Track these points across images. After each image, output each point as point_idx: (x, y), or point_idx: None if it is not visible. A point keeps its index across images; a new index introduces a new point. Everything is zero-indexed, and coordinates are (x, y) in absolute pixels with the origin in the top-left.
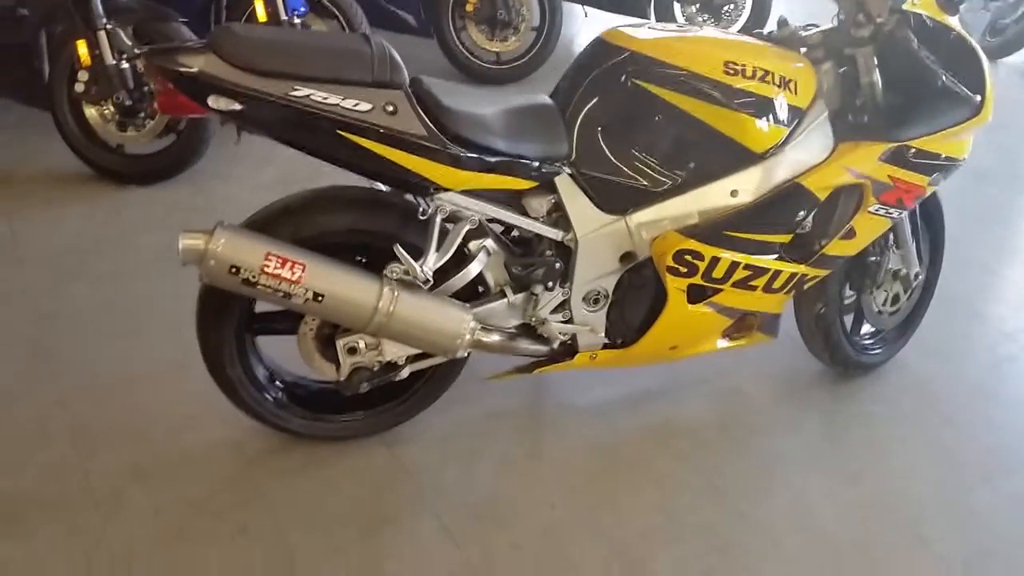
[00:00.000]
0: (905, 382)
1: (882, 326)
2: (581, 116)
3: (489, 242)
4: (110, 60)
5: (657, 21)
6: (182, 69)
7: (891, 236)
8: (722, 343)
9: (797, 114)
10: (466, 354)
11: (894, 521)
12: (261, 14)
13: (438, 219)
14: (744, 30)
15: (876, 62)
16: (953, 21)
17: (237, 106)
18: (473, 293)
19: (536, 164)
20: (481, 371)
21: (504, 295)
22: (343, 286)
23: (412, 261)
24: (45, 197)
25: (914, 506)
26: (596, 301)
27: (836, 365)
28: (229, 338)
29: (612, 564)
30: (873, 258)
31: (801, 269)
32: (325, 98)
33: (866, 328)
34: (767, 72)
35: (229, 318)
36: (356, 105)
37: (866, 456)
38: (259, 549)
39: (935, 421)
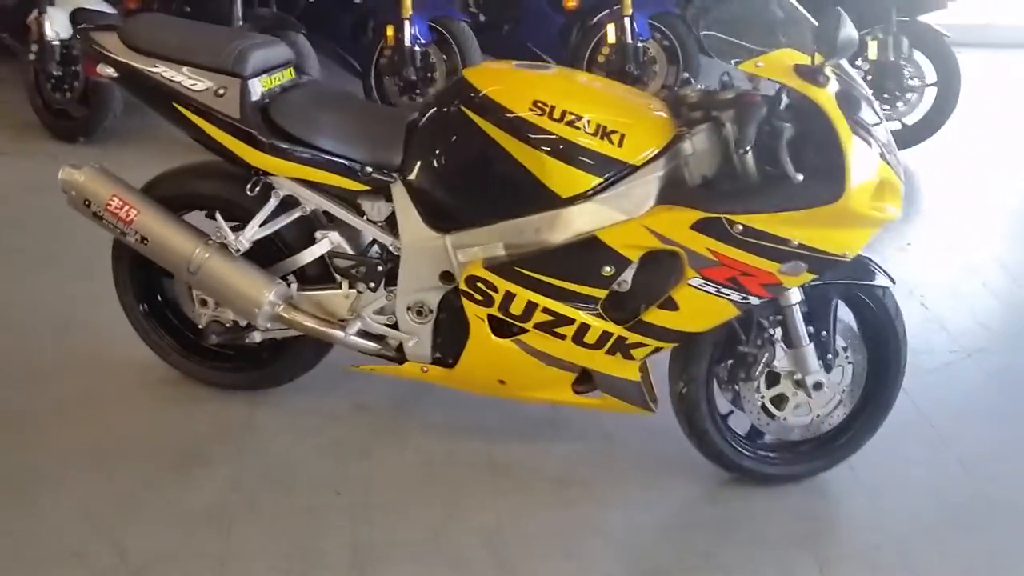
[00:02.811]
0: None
1: (776, 434)
2: (418, 133)
3: (333, 235)
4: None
5: None
6: (92, 42)
7: (779, 330)
8: (581, 398)
9: (616, 166)
10: (267, 326)
11: None
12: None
13: (272, 200)
14: (924, 121)
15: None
16: (821, 94)
17: (114, 73)
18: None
19: (367, 169)
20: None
21: (340, 286)
22: (165, 236)
23: (227, 228)
24: None
25: None
26: (421, 313)
27: (713, 461)
28: (126, 270)
29: (354, 560)
30: (743, 347)
31: (616, 330)
32: (172, 75)
33: (777, 434)
34: (578, 117)
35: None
36: (194, 84)
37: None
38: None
39: None
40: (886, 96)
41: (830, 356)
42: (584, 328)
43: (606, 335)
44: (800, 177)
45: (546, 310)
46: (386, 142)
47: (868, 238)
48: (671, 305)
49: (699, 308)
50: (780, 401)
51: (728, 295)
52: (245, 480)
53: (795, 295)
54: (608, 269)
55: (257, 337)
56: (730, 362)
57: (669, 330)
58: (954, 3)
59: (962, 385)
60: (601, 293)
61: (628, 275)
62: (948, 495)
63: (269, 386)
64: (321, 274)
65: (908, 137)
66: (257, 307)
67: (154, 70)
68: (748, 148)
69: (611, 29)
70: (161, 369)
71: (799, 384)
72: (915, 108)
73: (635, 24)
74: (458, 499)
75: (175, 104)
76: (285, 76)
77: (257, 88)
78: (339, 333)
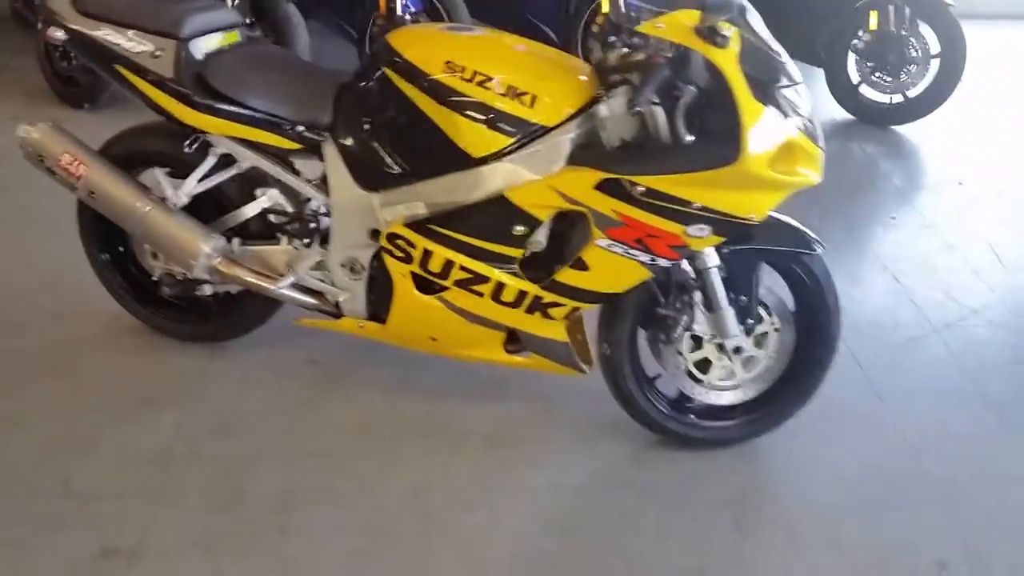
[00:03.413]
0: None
1: (703, 398)
2: (347, 94)
3: (272, 192)
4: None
5: (830, 70)
6: (45, 6)
7: (699, 294)
8: (512, 357)
9: (527, 127)
10: (208, 279)
11: None
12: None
13: (210, 157)
14: (927, 94)
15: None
16: (719, 54)
17: (63, 36)
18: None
19: (298, 128)
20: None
21: (279, 242)
22: (111, 190)
23: (166, 183)
24: None
25: None
26: (354, 270)
27: (640, 423)
28: (89, 221)
29: (280, 503)
30: (662, 310)
31: (532, 289)
32: (116, 39)
33: (704, 398)
34: (489, 78)
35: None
36: (135, 47)
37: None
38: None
39: None
40: (888, 68)
41: (751, 321)
42: (500, 286)
43: (522, 294)
44: (690, 138)
45: (463, 268)
46: (317, 102)
47: (776, 202)
48: (581, 265)
49: (609, 269)
50: (705, 365)
51: (636, 256)
52: (191, 426)
53: (712, 258)
54: (519, 228)
55: (208, 290)
56: (652, 325)
57: (582, 290)
58: None
59: (922, 362)
60: (516, 252)
61: (542, 235)
62: (885, 471)
63: (223, 338)
64: (263, 230)
65: (910, 110)
66: (193, 259)
67: (98, 33)
68: (639, 108)
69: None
70: (127, 319)
71: (723, 349)
72: (918, 81)
73: None
74: (393, 452)
75: (116, 66)
76: (229, 39)
77: (196, 50)
78: (271, 286)
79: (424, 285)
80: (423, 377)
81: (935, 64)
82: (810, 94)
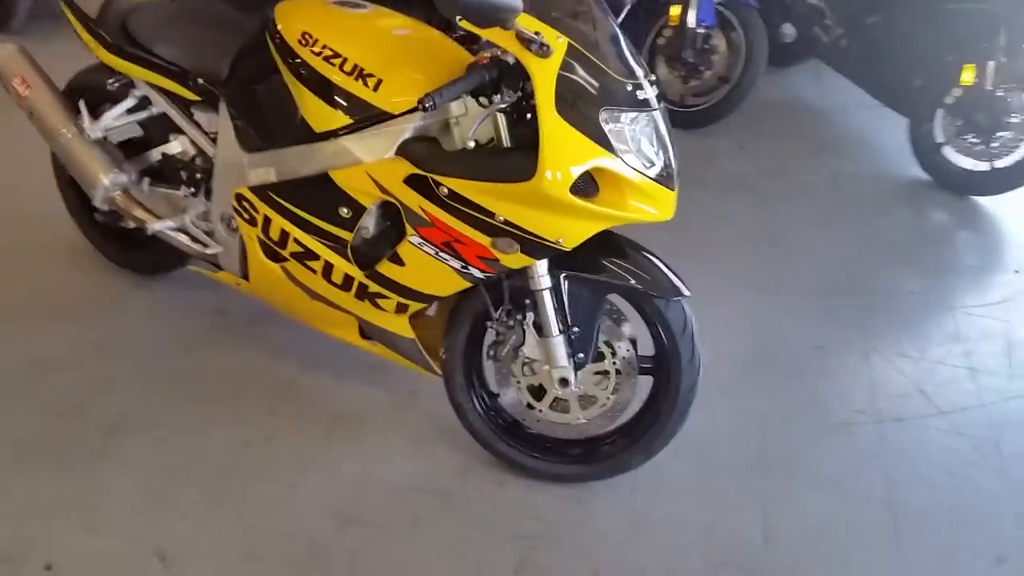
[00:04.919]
0: None
1: (534, 426)
2: (241, 54)
3: (182, 139)
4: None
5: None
6: None
7: (532, 315)
8: (367, 344)
9: (368, 109)
10: (104, 207)
11: None
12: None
13: (129, 99)
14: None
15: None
16: (534, 63)
17: None
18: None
19: (198, 80)
20: None
21: (179, 188)
22: (44, 115)
23: (86, 116)
24: None
25: None
26: (230, 227)
27: (472, 436)
28: None
29: (109, 426)
30: (490, 324)
31: (358, 275)
32: None
33: (536, 427)
34: (337, 55)
35: None
36: None
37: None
38: None
39: None
40: (978, 130)
41: (581, 356)
42: (329, 266)
43: (349, 278)
44: (472, 144)
45: (296, 240)
46: (218, 58)
47: (591, 230)
48: (398, 260)
49: (422, 268)
50: (540, 393)
51: (447, 261)
52: (81, 342)
53: (544, 279)
54: (345, 210)
55: (130, 224)
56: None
57: (401, 286)
58: None
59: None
60: (346, 235)
61: (369, 222)
62: (716, 547)
63: (143, 271)
64: (173, 175)
65: (994, 181)
66: (94, 187)
67: None
68: (427, 107)
69: (673, 10)
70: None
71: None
72: (1013, 150)
73: (700, 8)
74: (237, 407)
75: (63, 5)
76: None
77: None
78: (151, 225)
79: (273, 253)
80: (314, 347)
81: None
82: (666, 125)
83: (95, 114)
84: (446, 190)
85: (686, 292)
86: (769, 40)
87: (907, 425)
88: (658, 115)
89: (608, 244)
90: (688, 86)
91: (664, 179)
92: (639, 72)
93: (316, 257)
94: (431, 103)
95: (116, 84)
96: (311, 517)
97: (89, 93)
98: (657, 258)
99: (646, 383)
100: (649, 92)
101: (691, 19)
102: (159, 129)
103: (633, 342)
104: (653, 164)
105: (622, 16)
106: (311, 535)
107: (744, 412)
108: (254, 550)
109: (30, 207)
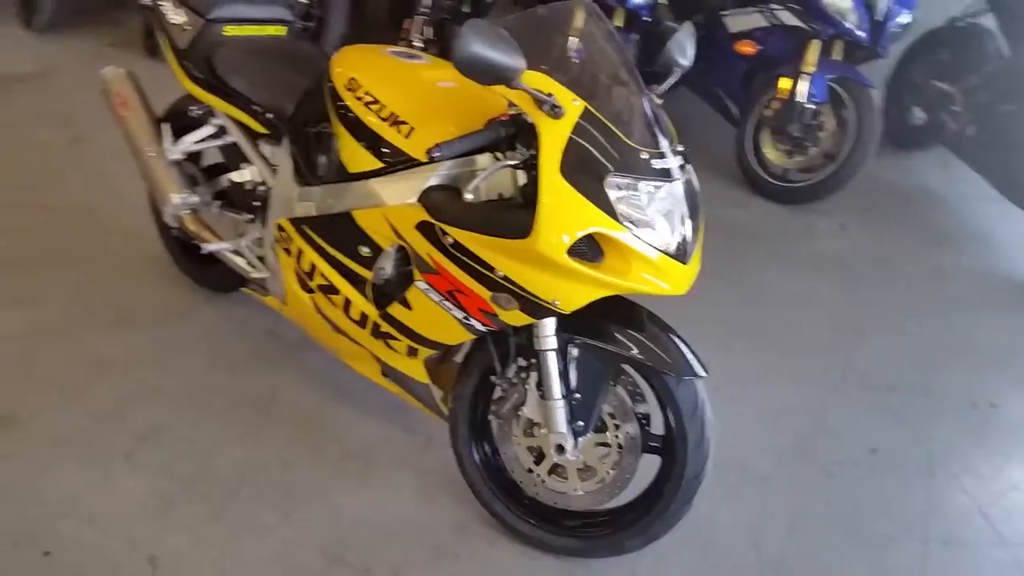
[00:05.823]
0: None
1: (530, 489)
2: (307, 94)
3: (252, 168)
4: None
5: None
6: None
7: (535, 375)
8: (386, 382)
9: (399, 155)
10: (173, 224)
11: None
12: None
13: (208, 127)
14: None
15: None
16: (546, 124)
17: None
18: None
19: (267, 115)
20: None
21: (242, 214)
22: (133, 134)
23: (168, 137)
24: None
25: None
26: (276, 254)
27: (471, 490)
28: None
29: (142, 435)
30: (494, 378)
31: (373, 314)
32: (166, 10)
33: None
34: (376, 101)
35: None
36: (176, 17)
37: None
38: None
39: None
40: None
41: (581, 424)
42: (348, 302)
43: (365, 316)
44: (469, 196)
45: (322, 273)
46: (287, 96)
47: (591, 296)
48: (406, 303)
49: (428, 314)
50: (541, 457)
51: (450, 309)
52: (141, 350)
53: (550, 340)
54: (365, 250)
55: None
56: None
57: (410, 329)
58: None
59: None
60: (366, 273)
61: (387, 263)
62: None
63: (214, 288)
64: (238, 200)
65: None
66: (163, 205)
67: (162, 4)
68: (435, 157)
69: (783, 83)
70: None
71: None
72: None
73: (813, 83)
74: (260, 432)
75: (159, 31)
76: (269, 31)
77: (218, 32)
78: (207, 244)
79: (304, 284)
80: (346, 379)
81: None
82: (691, 198)
83: (179, 138)
84: (451, 240)
85: (701, 373)
86: (898, 122)
87: (957, 550)
88: (678, 186)
89: (626, 314)
90: (792, 160)
91: (677, 254)
92: (663, 142)
93: (337, 292)
94: (439, 153)
95: (197, 112)
96: (300, 550)
97: (179, 119)
98: (677, 335)
99: (653, 463)
100: (671, 162)
101: (801, 93)
102: (233, 157)
103: (646, 419)
104: (666, 236)
105: (666, 85)
106: (296, 568)
107: (774, 508)
108: (237, 573)
109: (126, 220)
